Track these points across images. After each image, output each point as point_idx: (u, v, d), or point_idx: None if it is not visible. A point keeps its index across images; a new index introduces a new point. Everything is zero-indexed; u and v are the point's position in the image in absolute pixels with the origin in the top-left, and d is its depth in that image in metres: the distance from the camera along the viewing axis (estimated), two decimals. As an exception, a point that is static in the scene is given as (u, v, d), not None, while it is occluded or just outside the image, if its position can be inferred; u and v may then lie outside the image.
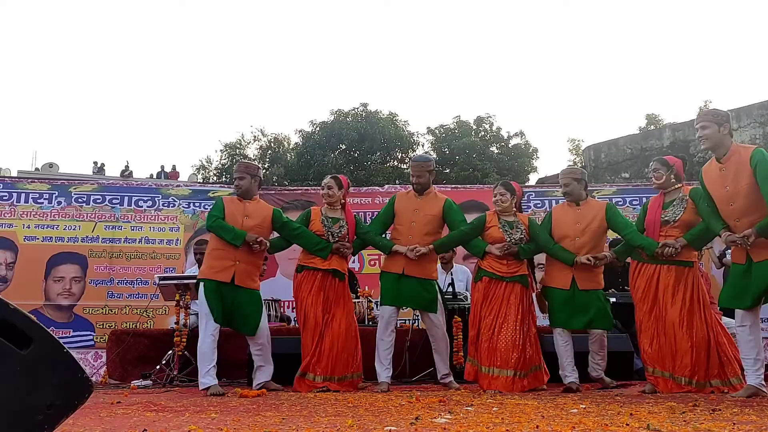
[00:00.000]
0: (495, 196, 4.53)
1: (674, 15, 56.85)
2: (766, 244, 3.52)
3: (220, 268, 4.35)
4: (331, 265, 4.49)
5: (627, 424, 2.31)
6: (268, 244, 4.51)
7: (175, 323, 5.21)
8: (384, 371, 4.42)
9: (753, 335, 3.60)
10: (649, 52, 54.57)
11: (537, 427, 2.23)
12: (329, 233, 4.53)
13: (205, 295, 4.30)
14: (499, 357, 4.24)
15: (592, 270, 4.38)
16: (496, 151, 22.49)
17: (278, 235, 4.65)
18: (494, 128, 23.11)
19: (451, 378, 4.56)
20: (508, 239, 4.41)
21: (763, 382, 3.60)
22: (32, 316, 1.82)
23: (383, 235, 4.76)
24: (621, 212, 4.62)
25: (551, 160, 62.98)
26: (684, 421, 2.42)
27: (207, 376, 4.18)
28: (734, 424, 2.29)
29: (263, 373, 4.40)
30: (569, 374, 4.32)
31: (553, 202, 7.14)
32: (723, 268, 6.44)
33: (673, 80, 53.02)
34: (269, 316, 5.88)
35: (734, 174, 3.63)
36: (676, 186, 4.16)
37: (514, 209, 4.57)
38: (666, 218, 4.09)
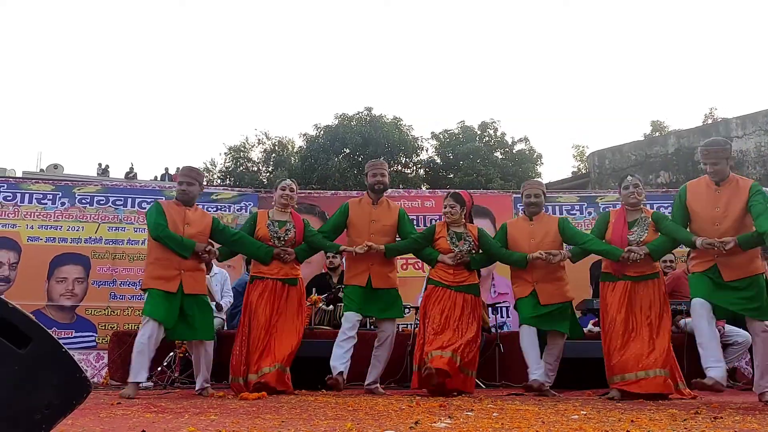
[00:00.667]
0: (445, 208, 4.55)
1: (679, 22, 56.82)
2: (738, 266, 3.80)
3: (166, 279, 4.24)
4: (280, 274, 4.47)
5: (628, 431, 2.29)
6: (217, 252, 4.46)
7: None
8: (340, 364, 4.34)
9: (705, 324, 3.81)
10: (654, 58, 54.53)
11: (537, 432, 2.21)
12: (275, 237, 4.50)
13: (152, 301, 4.19)
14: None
15: (554, 284, 4.45)
16: (500, 157, 22.46)
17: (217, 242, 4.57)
18: (499, 134, 23.08)
19: (378, 385, 4.54)
20: (456, 250, 4.43)
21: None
22: (31, 316, 1.82)
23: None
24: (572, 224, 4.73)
25: (555, 166, 62.94)
26: (685, 428, 2.40)
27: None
28: (736, 431, 2.27)
29: (203, 377, 4.33)
30: (535, 371, 4.35)
31: (557, 208, 7.14)
32: None
33: (679, 87, 52.99)
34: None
35: (729, 198, 3.89)
36: (640, 206, 4.37)
37: (464, 220, 4.59)
38: (632, 238, 4.24)
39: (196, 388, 4.36)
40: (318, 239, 4.66)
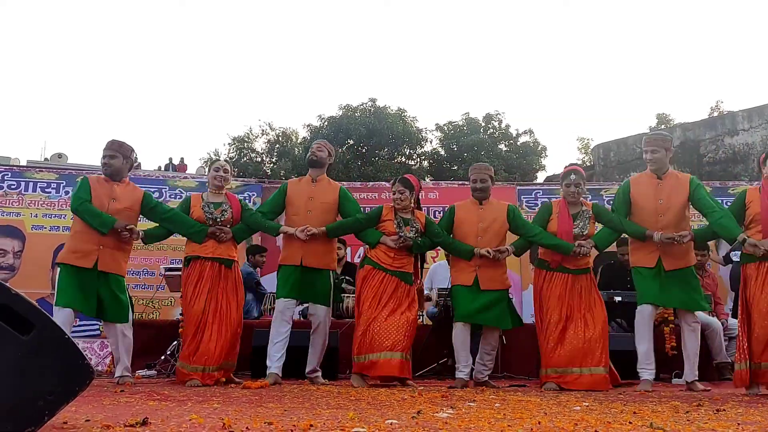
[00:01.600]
0: (394, 194, 4.45)
1: (685, 14, 56.45)
2: (680, 256, 4.09)
3: (82, 253, 4.10)
4: (216, 253, 4.37)
5: (630, 422, 2.29)
6: (140, 234, 4.31)
7: (181, 314, 5.21)
8: (274, 363, 4.29)
9: (648, 330, 4.16)
10: (660, 51, 54.21)
11: (539, 423, 2.21)
12: (211, 218, 4.40)
13: (62, 284, 4.07)
14: (377, 342, 4.16)
15: (496, 270, 4.40)
16: (504, 149, 22.41)
17: (149, 219, 4.48)
18: (503, 126, 23.03)
19: (319, 374, 4.47)
20: (401, 235, 4.35)
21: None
22: (35, 303, 1.82)
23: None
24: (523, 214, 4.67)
25: (560, 159, 62.78)
26: (688, 420, 2.40)
27: None
28: (738, 424, 2.27)
29: (123, 365, 4.22)
30: (462, 370, 4.33)
31: (561, 199, 7.11)
32: (730, 265, 6.47)
33: (684, 80, 52.69)
34: (271, 310, 5.88)
35: (671, 190, 4.17)
36: (580, 199, 4.43)
37: (412, 206, 4.51)
38: (576, 231, 4.31)
39: (115, 376, 4.23)
40: (257, 219, 4.52)
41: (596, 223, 4.42)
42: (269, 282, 6.18)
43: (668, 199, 4.16)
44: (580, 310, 4.24)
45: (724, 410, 2.82)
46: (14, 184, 6.64)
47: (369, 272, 4.36)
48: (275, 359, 4.32)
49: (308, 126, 22.61)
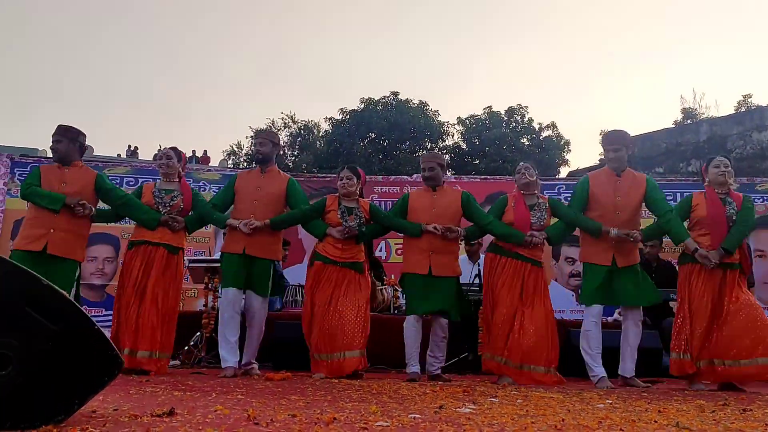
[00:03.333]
0: (341, 180, 4.47)
1: (714, 6, 55.41)
2: (631, 253, 4.26)
3: (32, 238, 4.13)
4: (164, 240, 4.37)
5: (655, 421, 2.27)
6: (92, 209, 4.33)
7: (204, 306, 5.27)
8: (231, 356, 4.27)
9: (598, 329, 4.25)
10: (686, 45, 53.33)
11: (563, 420, 2.20)
12: (160, 203, 4.42)
13: None
14: (333, 341, 4.17)
15: (448, 256, 4.39)
16: (527, 143, 22.27)
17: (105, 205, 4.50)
18: (526, 120, 22.86)
19: (254, 365, 4.43)
20: (345, 224, 4.35)
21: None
22: (65, 293, 1.85)
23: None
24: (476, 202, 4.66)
25: (583, 153, 62.21)
26: (714, 420, 2.37)
27: None
28: (766, 425, 2.23)
29: None
30: (413, 365, 4.30)
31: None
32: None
33: (711, 74, 51.78)
34: (295, 302, 5.91)
35: (628, 189, 4.32)
36: (535, 191, 4.49)
37: (357, 195, 4.52)
38: (534, 221, 4.37)
39: None
40: (206, 210, 4.55)
41: (552, 216, 4.47)
42: (295, 273, 6.22)
43: (626, 196, 4.31)
44: (529, 300, 4.24)
45: (751, 410, 2.78)
46: (42, 176, 6.72)
47: (320, 268, 4.36)
48: (232, 352, 4.29)
49: (330, 119, 22.66)
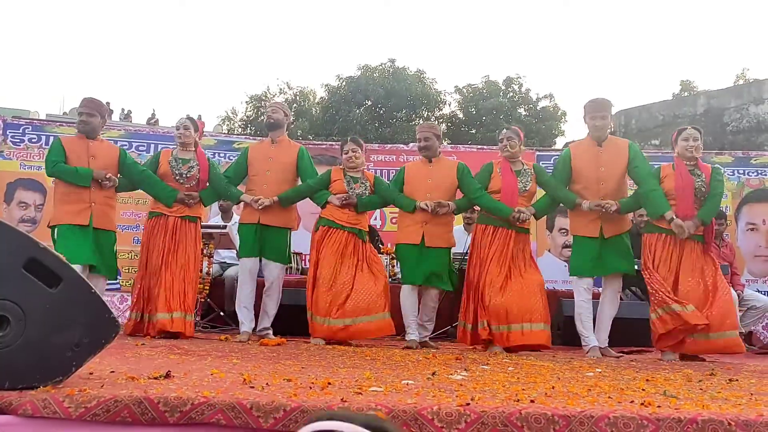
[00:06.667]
0: (347, 153, 4.53)
1: (717, -23, 54.67)
2: (617, 222, 4.24)
3: (75, 212, 4.24)
4: (180, 212, 4.48)
5: (643, 389, 2.31)
6: (117, 181, 4.42)
7: (199, 271, 5.29)
8: (247, 321, 4.45)
9: (590, 301, 4.26)
10: (686, 16, 52.79)
11: (553, 387, 2.24)
12: (177, 174, 4.50)
13: (62, 239, 4.18)
14: (343, 307, 4.22)
15: (441, 227, 4.44)
16: (524, 113, 22.12)
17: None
18: (523, 90, 22.68)
19: (270, 332, 4.50)
20: (350, 193, 4.43)
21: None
22: (62, 256, 1.86)
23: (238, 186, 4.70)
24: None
25: (580, 124, 62.03)
26: (701, 389, 2.42)
27: None
28: (752, 394, 2.28)
29: None
30: (412, 332, 4.38)
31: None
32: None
33: (710, 46, 51.35)
34: (291, 269, 5.94)
35: (611, 158, 4.28)
36: (520, 158, 4.48)
37: (362, 166, 4.62)
38: (520, 186, 4.36)
39: None
40: (222, 185, 4.65)
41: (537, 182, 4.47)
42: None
43: (609, 166, 4.29)
44: (518, 267, 4.27)
45: (737, 380, 2.83)
46: (35, 138, 6.68)
47: (326, 231, 4.42)
48: (249, 318, 4.46)
49: (326, 86, 22.43)
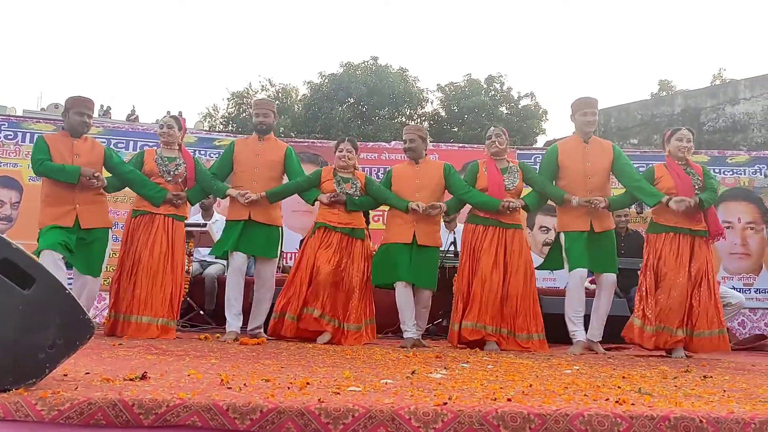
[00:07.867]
0: (341, 152, 4.55)
1: (696, -22, 55.34)
2: (605, 218, 4.35)
3: (59, 215, 4.18)
4: (167, 211, 4.46)
5: (619, 387, 2.34)
6: (105, 181, 4.36)
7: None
8: (235, 321, 4.44)
9: (582, 293, 4.33)
10: (664, 16, 53.38)
11: (530, 385, 2.26)
12: (164, 172, 4.48)
13: (44, 235, 4.10)
14: (334, 306, 4.32)
15: (431, 226, 4.49)
16: (505, 112, 22.22)
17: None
18: (505, 88, 22.78)
19: (261, 331, 4.53)
20: (340, 192, 4.46)
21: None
22: (35, 257, 1.83)
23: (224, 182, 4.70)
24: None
25: (560, 123, 62.48)
26: (675, 386, 2.45)
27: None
28: (725, 391, 2.32)
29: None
30: (409, 330, 4.41)
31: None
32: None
33: (688, 47, 52.03)
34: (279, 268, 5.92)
35: (597, 154, 4.40)
36: (506, 156, 4.56)
37: (354, 168, 4.64)
38: (507, 183, 4.43)
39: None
40: (208, 180, 4.62)
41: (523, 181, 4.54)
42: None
43: (595, 162, 4.39)
44: (513, 265, 4.31)
45: (711, 377, 2.88)
46: (11, 134, 6.59)
47: (323, 233, 4.43)
48: (237, 317, 4.45)
49: (309, 83, 22.35)
